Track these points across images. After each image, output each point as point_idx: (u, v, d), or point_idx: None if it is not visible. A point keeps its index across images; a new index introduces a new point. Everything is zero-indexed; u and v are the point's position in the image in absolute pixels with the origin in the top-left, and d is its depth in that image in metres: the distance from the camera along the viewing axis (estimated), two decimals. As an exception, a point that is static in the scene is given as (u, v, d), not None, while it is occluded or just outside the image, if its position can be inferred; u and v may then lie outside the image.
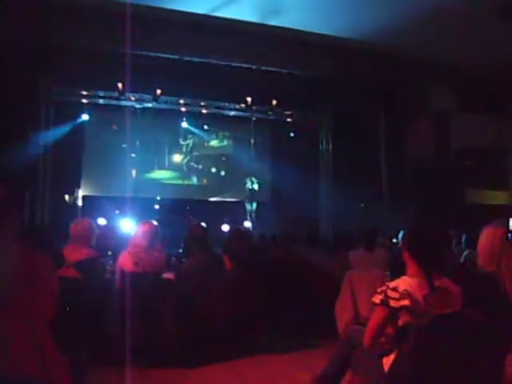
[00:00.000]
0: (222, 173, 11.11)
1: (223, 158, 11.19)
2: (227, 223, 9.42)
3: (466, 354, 2.03)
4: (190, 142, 10.91)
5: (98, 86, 9.03)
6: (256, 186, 9.97)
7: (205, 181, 11.13)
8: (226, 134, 11.17)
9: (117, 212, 9.76)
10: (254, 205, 10.02)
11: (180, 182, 10.96)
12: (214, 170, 11.14)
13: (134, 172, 9.95)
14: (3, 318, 1.48)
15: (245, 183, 10.09)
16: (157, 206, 10.19)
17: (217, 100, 9.71)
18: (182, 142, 10.79)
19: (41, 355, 1.52)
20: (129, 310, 3.97)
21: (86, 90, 9.07)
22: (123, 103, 9.25)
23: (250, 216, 9.97)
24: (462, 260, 4.75)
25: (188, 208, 10.22)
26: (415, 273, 2.39)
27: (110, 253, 5.55)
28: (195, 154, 11.02)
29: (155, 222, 4.46)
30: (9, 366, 1.44)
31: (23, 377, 1.44)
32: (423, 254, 2.42)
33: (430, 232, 2.54)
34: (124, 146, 9.71)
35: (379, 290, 2.34)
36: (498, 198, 10.44)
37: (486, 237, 2.55)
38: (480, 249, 2.57)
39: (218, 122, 10.56)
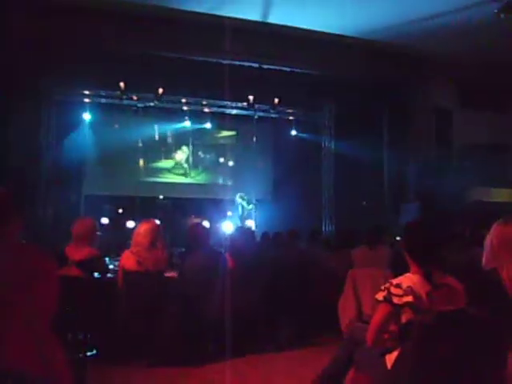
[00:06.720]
0: (230, 163, 11.13)
1: (228, 151, 11.21)
2: (230, 222, 9.42)
3: (468, 351, 2.02)
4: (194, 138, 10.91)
5: (100, 86, 9.03)
6: (246, 204, 9.89)
7: (210, 175, 11.13)
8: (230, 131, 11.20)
9: (119, 211, 9.78)
10: (251, 206, 9.98)
11: (184, 176, 10.95)
12: (221, 160, 11.15)
13: (141, 161, 10.07)
14: (3, 315, 1.49)
15: (235, 200, 9.95)
16: (160, 205, 10.19)
17: (219, 98, 9.69)
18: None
19: (41, 352, 1.52)
20: (131, 309, 3.98)
21: (87, 90, 9.08)
22: (125, 102, 9.25)
23: (245, 215, 9.91)
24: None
25: (191, 206, 10.22)
26: (417, 270, 2.39)
27: (112, 252, 5.57)
28: (200, 146, 11.03)
29: (157, 221, 4.46)
30: (9, 362, 1.45)
31: (23, 372, 1.45)
32: (422, 253, 2.41)
33: (428, 231, 2.52)
34: (126, 144, 9.71)
35: (382, 287, 2.34)
36: (503, 195, 10.38)
37: (491, 233, 2.53)
38: (485, 245, 2.55)
39: (220, 121, 10.53)
